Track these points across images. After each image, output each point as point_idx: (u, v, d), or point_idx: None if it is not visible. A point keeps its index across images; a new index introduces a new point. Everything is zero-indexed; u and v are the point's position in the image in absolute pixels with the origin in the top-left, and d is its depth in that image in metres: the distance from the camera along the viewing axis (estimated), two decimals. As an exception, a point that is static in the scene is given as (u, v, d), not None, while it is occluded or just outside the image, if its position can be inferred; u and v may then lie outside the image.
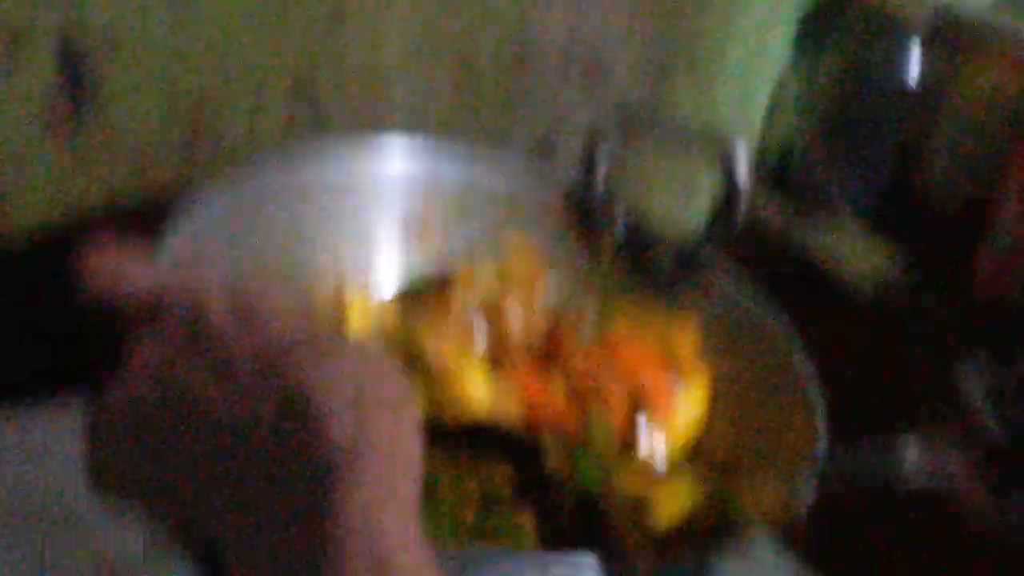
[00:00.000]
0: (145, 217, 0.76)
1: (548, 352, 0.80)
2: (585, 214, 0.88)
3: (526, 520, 0.73)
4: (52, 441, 0.77)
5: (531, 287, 0.86)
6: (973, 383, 0.88)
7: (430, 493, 0.70)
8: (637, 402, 0.79)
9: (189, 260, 0.74)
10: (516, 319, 0.81)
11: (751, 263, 0.94)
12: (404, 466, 0.49)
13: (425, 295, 0.85)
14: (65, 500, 0.74)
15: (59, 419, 0.79)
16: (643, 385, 0.79)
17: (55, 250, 0.79)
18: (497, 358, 0.80)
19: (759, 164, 1.15)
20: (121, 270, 0.53)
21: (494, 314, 0.82)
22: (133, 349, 0.51)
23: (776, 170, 1.15)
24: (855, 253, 1.09)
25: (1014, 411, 0.91)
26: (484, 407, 0.77)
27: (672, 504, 0.79)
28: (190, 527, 0.52)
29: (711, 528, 0.77)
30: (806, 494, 0.72)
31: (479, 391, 0.77)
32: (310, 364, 0.49)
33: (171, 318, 0.51)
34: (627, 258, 0.87)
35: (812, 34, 1.11)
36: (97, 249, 0.54)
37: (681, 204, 1.12)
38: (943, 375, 0.99)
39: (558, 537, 0.73)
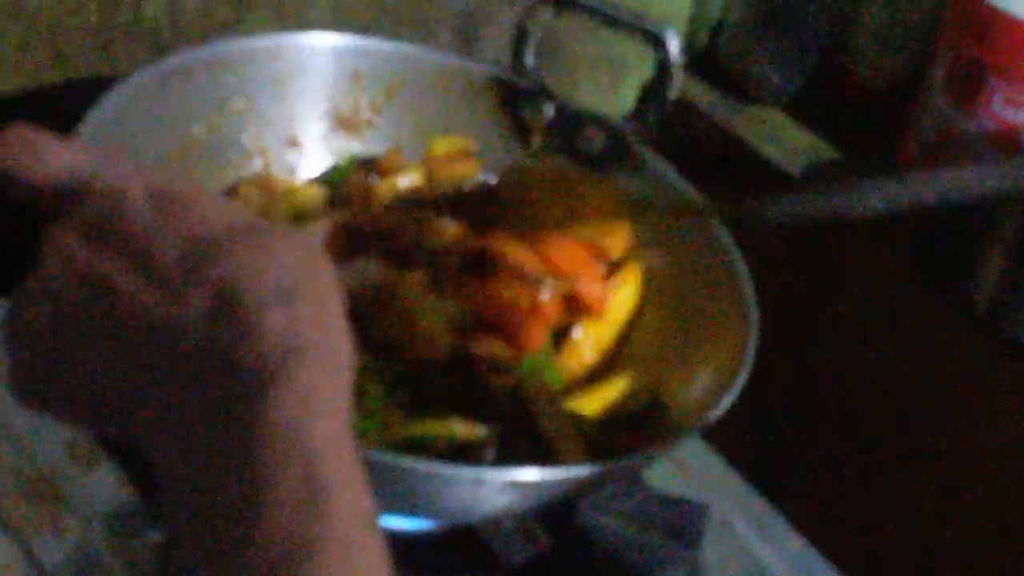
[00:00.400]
0: (65, 107, 0.74)
1: (478, 257, 0.79)
2: (515, 96, 0.87)
3: (457, 426, 0.73)
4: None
5: (458, 182, 0.86)
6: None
7: (360, 396, 0.70)
8: (570, 301, 0.79)
9: (110, 143, 0.73)
10: (447, 229, 0.80)
11: (678, 144, 0.93)
12: (335, 362, 0.47)
13: (351, 182, 0.85)
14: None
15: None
16: (576, 283, 0.79)
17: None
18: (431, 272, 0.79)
19: (687, 47, 1.15)
20: (33, 152, 0.50)
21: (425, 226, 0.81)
22: (48, 240, 0.49)
23: (704, 53, 1.15)
24: (782, 136, 1.09)
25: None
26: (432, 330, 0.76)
27: (603, 399, 0.80)
28: (115, 429, 0.50)
29: (641, 425, 0.78)
30: (736, 388, 0.73)
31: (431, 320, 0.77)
32: (239, 256, 0.47)
33: (88, 204, 0.49)
34: (558, 140, 0.86)
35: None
36: (8, 132, 0.51)
37: (611, 85, 1.11)
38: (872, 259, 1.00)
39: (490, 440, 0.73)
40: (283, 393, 0.45)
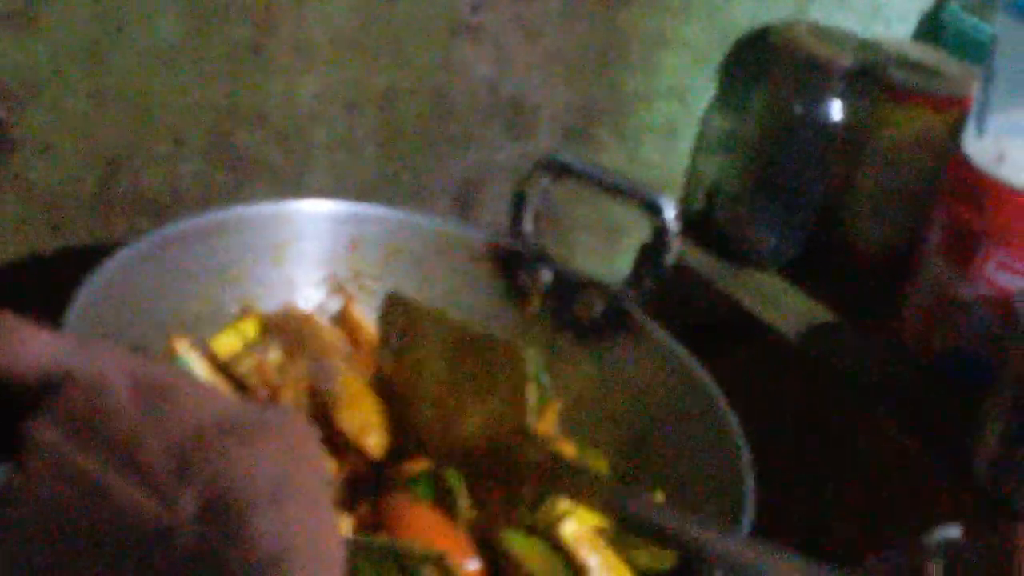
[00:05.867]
0: (63, 275, 0.74)
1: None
2: (512, 261, 0.87)
3: None
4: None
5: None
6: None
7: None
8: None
9: (98, 322, 0.72)
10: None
11: (676, 308, 0.93)
12: (326, 563, 0.46)
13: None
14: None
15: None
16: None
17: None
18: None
19: (683, 210, 1.16)
20: (11, 341, 0.48)
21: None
22: (29, 436, 0.47)
23: (700, 216, 1.16)
24: (780, 300, 1.09)
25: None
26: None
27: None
28: None
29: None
30: None
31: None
32: (227, 455, 0.46)
33: (70, 396, 0.47)
34: (555, 305, 0.87)
35: (735, 82, 1.12)
36: None
37: (608, 249, 1.12)
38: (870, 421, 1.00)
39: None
40: None
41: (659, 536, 0.71)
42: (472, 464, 0.75)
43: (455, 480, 0.76)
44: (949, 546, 0.67)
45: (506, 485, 0.71)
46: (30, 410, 0.48)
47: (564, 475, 0.72)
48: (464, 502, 0.75)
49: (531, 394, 0.72)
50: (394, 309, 0.81)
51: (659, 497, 0.80)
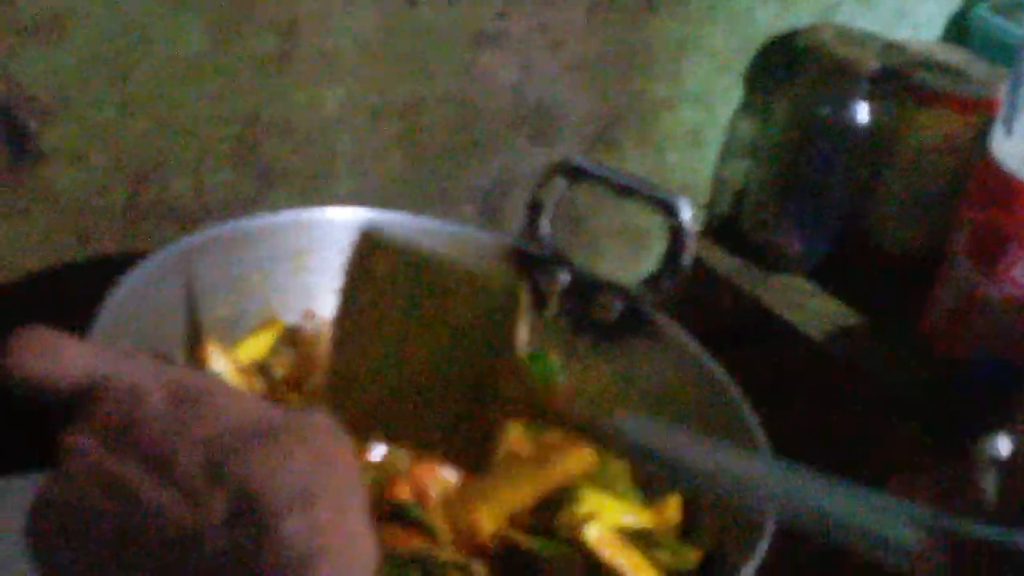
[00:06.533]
0: (90, 285, 0.75)
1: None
2: (530, 264, 0.88)
3: None
4: None
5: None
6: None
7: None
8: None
9: (125, 330, 0.73)
10: None
11: (703, 312, 0.93)
12: (357, 566, 0.47)
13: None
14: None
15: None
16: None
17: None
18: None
19: (710, 216, 1.16)
20: (49, 354, 0.50)
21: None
22: (66, 444, 0.48)
23: (727, 221, 1.16)
24: (806, 303, 1.09)
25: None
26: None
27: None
28: None
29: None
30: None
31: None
32: (257, 460, 0.47)
33: (105, 406, 0.49)
34: (572, 308, 0.87)
35: (761, 86, 1.12)
36: (23, 333, 0.50)
37: (633, 254, 1.12)
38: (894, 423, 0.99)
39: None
40: None
41: (647, 458, 0.67)
42: (431, 403, 0.66)
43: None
44: (999, 458, 0.65)
45: (478, 421, 0.67)
46: (67, 419, 0.49)
47: (542, 404, 0.69)
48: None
49: (521, 329, 0.69)
50: (365, 248, 0.69)
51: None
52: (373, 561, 0.48)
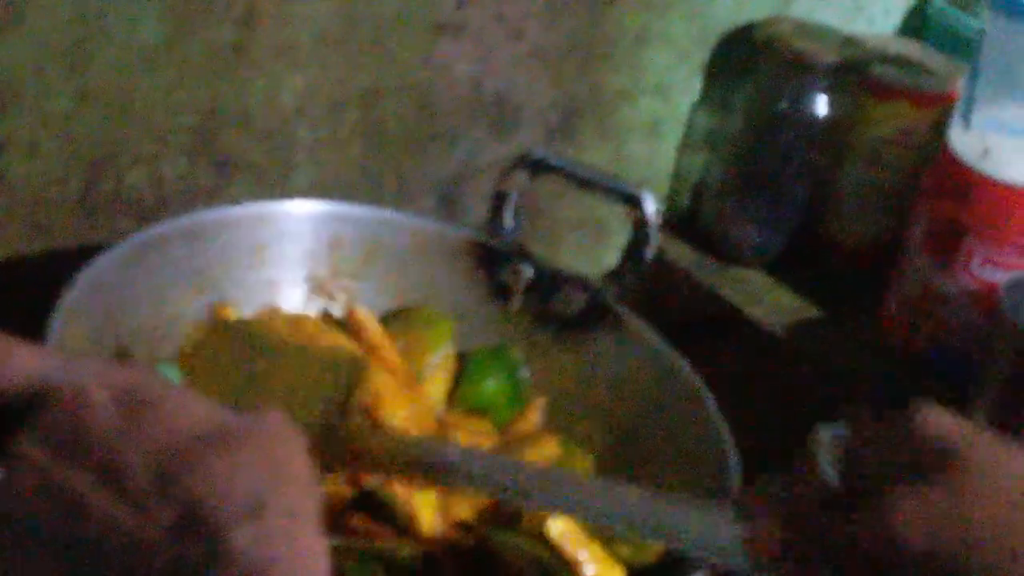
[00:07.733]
0: (44, 275, 0.74)
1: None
2: (493, 258, 0.87)
3: None
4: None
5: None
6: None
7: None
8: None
9: (82, 324, 0.72)
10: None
11: (662, 305, 0.93)
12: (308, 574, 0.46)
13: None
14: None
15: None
16: None
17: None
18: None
19: (668, 208, 1.16)
20: None
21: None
22: (12, 452, 0.47)
23: (686, 214, 1.16)
24: (764, 296, 1.09)
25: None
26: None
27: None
28: None
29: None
30: None
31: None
32: (207, 469, 0.46)
33: (52, 412, 0.47)
34: (535, 301, 0.87)
35: (719, 79, 1.12)
36: None
37: (594, 247, 1.12)
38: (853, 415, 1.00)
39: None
40: None
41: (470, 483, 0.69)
42: None
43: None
44: (837, 440, 0.68)
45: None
46: (14, 426, 0.48)
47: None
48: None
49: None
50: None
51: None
52: (325, 571, 0.47)
